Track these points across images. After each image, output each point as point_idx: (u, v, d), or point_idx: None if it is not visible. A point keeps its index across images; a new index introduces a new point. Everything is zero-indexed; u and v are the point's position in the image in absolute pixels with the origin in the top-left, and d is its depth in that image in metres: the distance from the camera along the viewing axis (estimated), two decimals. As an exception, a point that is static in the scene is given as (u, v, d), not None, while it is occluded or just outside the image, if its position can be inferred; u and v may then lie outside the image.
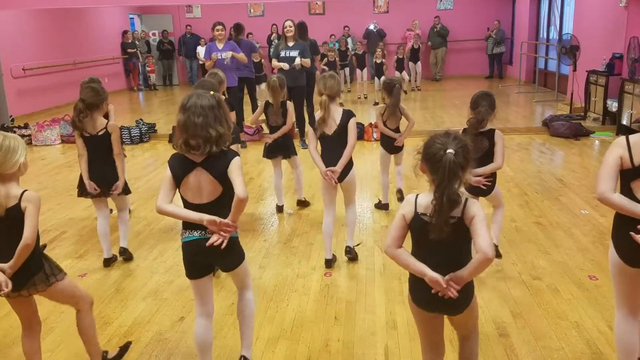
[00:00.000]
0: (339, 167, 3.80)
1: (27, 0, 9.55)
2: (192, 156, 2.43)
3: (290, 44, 7.45)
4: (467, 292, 2.15)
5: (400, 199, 5.24)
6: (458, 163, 1.99)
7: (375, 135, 8.07)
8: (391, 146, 5.08)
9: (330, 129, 3.83)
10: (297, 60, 7.32)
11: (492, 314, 3.30)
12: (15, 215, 2.41)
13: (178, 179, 2.46)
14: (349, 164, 3.89)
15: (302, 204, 5.33)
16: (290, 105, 5.01)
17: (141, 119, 9.10)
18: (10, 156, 2.41)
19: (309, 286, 3.75)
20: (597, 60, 9.05)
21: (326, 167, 3.85)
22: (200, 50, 14.06)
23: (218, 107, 2.46)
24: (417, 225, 2.11)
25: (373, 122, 8.38)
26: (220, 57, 7.50)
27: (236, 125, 4.91)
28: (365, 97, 12.17)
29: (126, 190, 4.14)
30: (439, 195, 2.00)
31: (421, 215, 2.10)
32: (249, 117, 8.64)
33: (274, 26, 14.02)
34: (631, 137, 2.25)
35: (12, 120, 9.67)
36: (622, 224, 2.27)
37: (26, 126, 8.98)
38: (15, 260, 2.41)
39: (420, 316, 2.27)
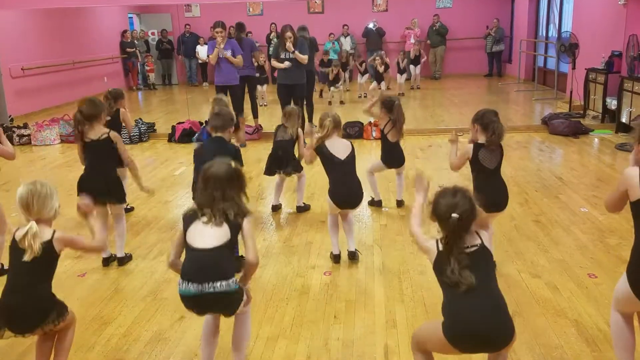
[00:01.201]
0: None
1: (27, 0, 9.54)
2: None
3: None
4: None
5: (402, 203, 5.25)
6: (462, 225, 2.13)
7: (374, 134, 8.06)
8: (392, 161, 5.12)
9: (343, 154, 3.90)
10: (289, 46, 7.33)
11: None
12: (42, 256, 2.49)
13: (188, 224, 2.51)
14: (362, 192, 3.99)
15: (302, 209, 5.22)
16: (301, 132, 5.04)
17: (140, 119, 9.09)
18: (48, 202, 2.57)
19: (309, 285, 3.75)
20: (596, 58, 9.04)
21: (342, 195, 3.91)
22: (200, 50, 14.09)
23: (237, 179, 2.56)
24: (440, 267, 2.20)
25: (372, 121, 8.38)
26: (221, 56, 7.51)
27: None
28: (366, 96, 12.16)
29: (121, 200, 4.12)
30: (449, 247, 2.16)
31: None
32: (248, 116, 8.69)
33: (273, 25, 14.02)
34: None
35: (11, 120, 9.66)
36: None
37: (25, 126, 8.97)
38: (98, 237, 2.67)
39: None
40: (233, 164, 2.60)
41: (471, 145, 3.62)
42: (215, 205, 2.47)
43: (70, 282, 3.90)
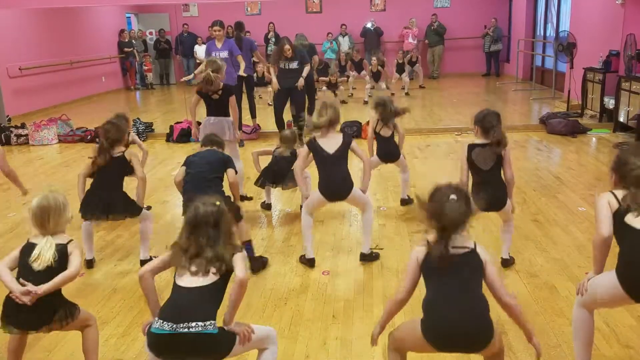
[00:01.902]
0: (365, 187, 3.97)
1: (25, 0, 9.53)
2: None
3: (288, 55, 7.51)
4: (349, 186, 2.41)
5: (408, 201, 5.23)
6: (459, 215, 2.14)
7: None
8: (385, 155, 5.10)
9: (331, 149, 3.85)
10: (301, 82, 7.44)
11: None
12: (57, 262, 2.50)
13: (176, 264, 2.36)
14: (351, 183, 3.90)
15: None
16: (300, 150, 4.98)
17: (138, 118, 9.09)
18: (63, 215, 2.56)
19: (307, 285, 3.76)
20: (594, 58, 9.06)
21: (329, 187, 3.88)
22: (198, 49, 14.06)
23: (221, 221, 2.35)
24: (429, 261, 2.22)
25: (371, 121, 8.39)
26: (219, 57, 7.50)
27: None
28: (352, 96, 12.16)
29: (132, 214, 4.08)
30: (443, 244, 2.16)
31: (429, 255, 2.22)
32: (246, 116, 8.68)
33: (271, 24, 14.01)
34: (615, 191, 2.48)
35: (9, 120, 9.65)
36: (633, 264, 2.37)
37: (23, 126, 8.96)
38: (53, 284, 2.45)
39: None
40: (218, 202, 2.40)
41: (465, 147, 3.64)
42: (203, 254, 2.29)
43: (68, 282, 3.89)
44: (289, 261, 4.12)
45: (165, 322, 2.21)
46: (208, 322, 2.20)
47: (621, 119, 7.96)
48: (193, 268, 2.30)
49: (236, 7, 15.10)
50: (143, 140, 8.63)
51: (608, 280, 2.46)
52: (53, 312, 2.52)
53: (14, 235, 4.74)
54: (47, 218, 2.51)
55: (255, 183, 5.17)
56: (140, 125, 8.81)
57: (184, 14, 16.13)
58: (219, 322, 2.27)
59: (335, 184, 3.89)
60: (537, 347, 2.33)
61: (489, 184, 3.61)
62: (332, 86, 11.21)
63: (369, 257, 4.05)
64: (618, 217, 2.44)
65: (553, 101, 10.68)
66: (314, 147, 3.89)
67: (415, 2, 15.56)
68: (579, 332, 2.64)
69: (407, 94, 11.99)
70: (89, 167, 3.97)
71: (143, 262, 4.14)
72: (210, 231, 2.32)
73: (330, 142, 3.88)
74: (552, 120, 8.37)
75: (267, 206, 5.27)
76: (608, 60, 8.60)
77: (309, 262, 4.00)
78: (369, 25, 15.23)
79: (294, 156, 4.82)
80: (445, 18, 15.26)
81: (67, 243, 2.56)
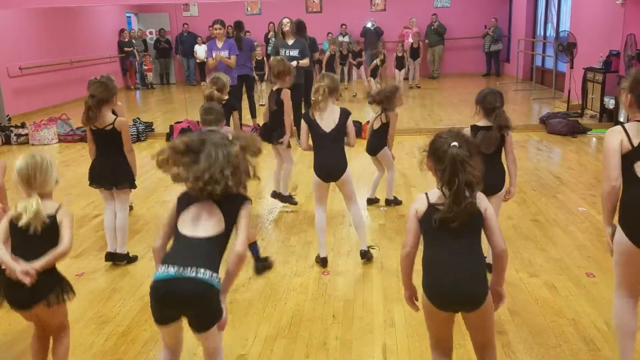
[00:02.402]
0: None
1: (24, -1, 9.53)
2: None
3: (290, 42, 7.43)
4: (480, 286, 2.16)
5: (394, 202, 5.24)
6: (463, 155, 2.08)
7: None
8: (368, 148, 5.22)
9: (328, 127, 3.81)
10: (294, 63, 7.30)
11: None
12: (48, 226, 2.46)
13: (182, 207, 2.23)
14: (344, 163, 3.87)
15: (289, 200, 5.29)
16: (286, 92, 5.03)
17: (138, 118, 9.09)
18: (50, 174, 2.50)
19: (307, 284, 3.75)
20: (594, 58, 9.05)
21: (323, 167, 3.86)
22: (198, 49, 14.07)
23: (231, 155, 2.19)
24: (429, 218, 2.15)
25: (370, 121, 8.38)
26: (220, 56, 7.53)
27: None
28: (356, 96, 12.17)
29: (132, 185, 4.14)
30: (453, 183, 2.07)
31: (436, 206, 2.15)
32: (246, 116, 8.67)
33: (271, 24, 14.00)
34: (627, 125, 2.40)
35: (9, 119, 9.64)
36: (634, 209, 2.32)
37: (23, 125, 8.95)
38: (46, 262, 2.41)
39: (433, 316, 2.24)
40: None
41: (468, 129, 3.53)
42: (210, 183, 2.13)
43: (68, 281, 3.89)
44: (288, 261, 4.12)
45: (171, 266, 2.10)
46: (215, 274, 2.13)
47: (621, 119, 7.95)
48: (193, 211, 2.19)
49: (236, 6, 15.09)
50: (143, 140, 8.65)
51: (619, 238, 2.42)
52: (50, 288, 2.47)
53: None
54: (33, 175, 2.46)
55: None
56: (140, 125, 8.81)
57: (184, 14, 16.13)
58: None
59: (329, 164, 3.86)
60: (502, 293, 2.28)
61: (488, 169, 3.53)
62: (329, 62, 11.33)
63: (367, 254, 4.03)
64: (627, 161, 2.35)
65: (553, 101, 10.68)
66: (309, 122, 3.84)
67: (416, 2, 15.56)
68: (615, 319, 2.55)
69: (369, 97, 11.87)
70: (89, 136, 4.05)
71: (120, 257, 4.16)
72: (221, 160, 2.15)
73: (328, 118, 3.80)
74: (552, 120, 8.37)
75: (275, 194, 5.29)
76: (608, 60, 8.60)
77: (321, 261, 4.00)
78: (369, 25, 15.22)
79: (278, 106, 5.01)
80: (446, 18, 15.25)
81: (56, 212, 2.50)
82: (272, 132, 5.10)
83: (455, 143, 2.09)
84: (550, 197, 5.38)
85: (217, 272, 2.16)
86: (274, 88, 5.11)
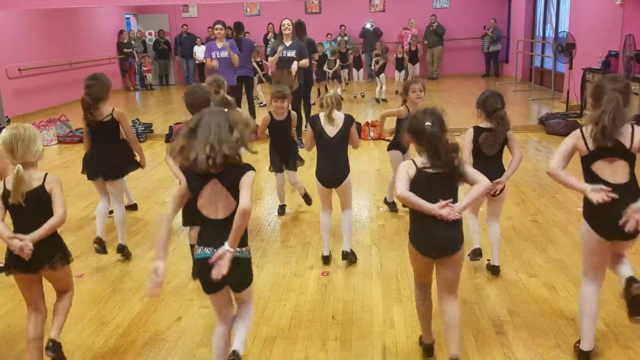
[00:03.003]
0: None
1: (23, 0, 9.52)
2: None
3: (288, 43, 7.44)
4: (455, 234, 2.61)
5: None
6: (435, 133, 2.55)
7: (372, 134, 8.07)
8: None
9: (332, 132, 3.85)
10: (294, 66, 7.31)
11: (489, 312, 3.31)
12: (38, 197, 2.62)
13: (195, 192, 2.42)
14: (346, 169, 3.91)
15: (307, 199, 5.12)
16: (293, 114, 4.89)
17: (138, 119, 9.09)
18: (33, 145, 2.63)
19: (306, 285, 3.76)
20: (593, 58, 9.06)
21: (325, 174, 3.90)
22: (197, 50, 14.06)
23: (234, 123, 2.39)
24: (419, 178, 2.58)
25: (370, 121, 8.39)
26: (219, 57, 7.53)
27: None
28: (363, 96, 12.17)
29: (130, 168, 4.24)
30: (431, 152, 2.55)
31: (424, 169, 2.58)
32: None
33: (270, 25, 14.00)
34: (584, 128, 2.69)
35: (8, 121, 9.62)
36: (597, 205, 2.53)
37: (22, 127, 8.94)
38: (43, 231, 2.60)
39: (417, 260, 2.71)
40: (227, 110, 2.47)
41: (471, 130, 3.58)
42: (211, 154, 2.29)
43: (67, 283, 3.89)
44: (288, 262, 4.12)
45: (206, 248, 2.41)
46: (244, 248, 2.45)
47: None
48: (208, 192, 2.40)
49: (235, 7, 15.10)
50: (142, 141, 8.65)
51: (585, 230, 2.73)
52: (52, 254, 2.68)
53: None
54: (16, 145, 2.59)
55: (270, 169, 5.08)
56: (140, 126, 8.81)
57: (183, 15, 16.14)
58: None
59: (331, 169, 3.90)
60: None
61: (490, 171, 3.56)
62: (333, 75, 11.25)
63: (350, 255, 4.04)
64: (585, 163, 2.68)
65: (552, 102, 10.69)
66: (314, 125, 3.88)
67: (415, 2, 15.57)
68: (581, 302, 2.82)
69: (382, 100, 11.80)
70: (85, 132, 4.10)
71: (122, 248, 4.22)
72: (215, 128, 2.33)
73: (332, 123, 3.85)
74: (551, 120, 8.38)
75: (281, 209, 5.22)
76: (607, 61, 8.60)
77: (324, 260, 4.06)
78: (368, 26, 15.23)
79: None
80: (445, 19, 15.26)
81: (44, 181, 2.64)
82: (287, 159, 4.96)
83: (429, 123, 2.56)
84: (549, 197, 5.38)
85: (246, 244, 2.47)
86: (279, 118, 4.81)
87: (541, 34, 13.43)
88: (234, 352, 2.54)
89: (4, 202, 2.63)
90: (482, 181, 2.58)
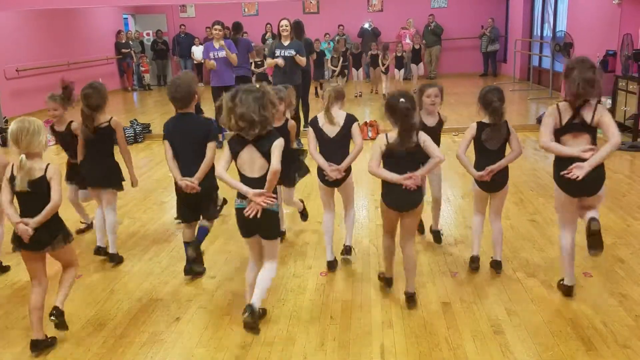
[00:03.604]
0: (343, 165, 3.76)
1: (21, 1, 9.51)
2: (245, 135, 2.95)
3: (286, 43, 7.44)
4: (417, 195, 3.23)
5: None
6: (409, 111, 3.10)
7: (370, 134, 8.07)
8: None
9: (332, 131, 3.79)
10: (292, 52, 7.29)
11: (487, 311, 3.31)
12: (41, 185, 2.91)
13: (235, 154, 3.03)
14: (348, 169, 3.86)
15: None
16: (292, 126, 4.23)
17: (135, 119, 9.08)
18: (35, 137, 2.91)
19: (305, 285, 3.75)
20: (591, 57, 9.04)
21: (325, 174, 3.84)
22: (195, 50, 14.06)
23: (265, 99, 2.93)
24: (389, 152, 3.18)
25: (368, 121, 8.39)
26: (217, 57, 7.54)
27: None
28: (361, 95, 12.18)
29: (118, 186, 4.17)
30: (403, 127, 3.13)
31: (394, 143, 3.17)
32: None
33: (268, 25, 14.01)
34: (560, 104, 3.23)
35: (6, 121, 9.63)
36: (562, 167, 3.14)
37: (20, 127, 8.92)
38: (42, 217, 2.90)
39: (387, 214, 3.38)
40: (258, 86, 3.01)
41: (475, 125, 3.62)
42: (253, 127, 2.88)
43: (65, 284, 3.88)
44: (286, 262, 4.12)
45: (244, 200, 3.05)
46: (274, 203, 3.04)
47: (618, 119, 7.97)
48: (245, 155, 3.01)
49: (233, 7, 15.09)
50: (140, 142, 8.64)
51: (556, 190, 3.33)
52: (54, 235, 2.99)
53: (11, 237, 4.72)
54: (21, 137, 2.88)
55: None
56: (138, 127, 8.80)
57: (181, 15, 16.13)
58: None
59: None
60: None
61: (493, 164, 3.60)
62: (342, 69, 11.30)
63: (349, 251, 4.04)
64: (558, 134, 3.19)
65: (550, 101, 10.68)
66: (314, 126, 3.82)
67: (413, 2, 15.58)
68: (563, 248, 3.42)
69: (360, 94, 11.73)
70: (81, 143, 4.09)
71: (112, 257, 4.19)
72: (252, 103, 2.87)
73: (332, 121, 3.78)
74: (549, 120, 8.37)
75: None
76: (605, 60, 8.61)
77: (329, 265, 3.97)
78: (366, 25, 15.24)
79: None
80: (443, 18, 15.28)
81: (45, 171, 2.93)
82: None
83: (402, 99, 3.10)
84: (547, 197, 5.38)
85: (276, 199, 3.05)
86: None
87: (539, 34, 13.45)
88: (250, 306, 3.09)
89: (12, 186, 2.92)
90: (438, 156, 3.19)
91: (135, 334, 3.23)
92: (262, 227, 3.09)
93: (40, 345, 3.02)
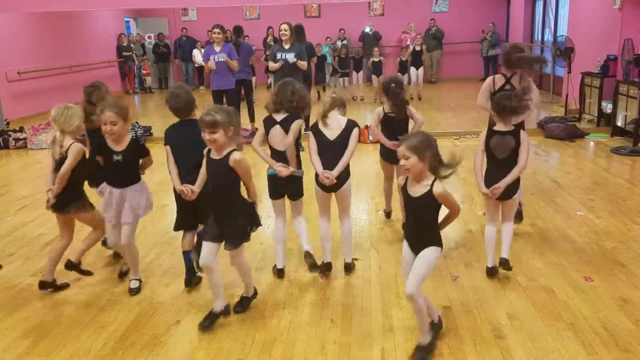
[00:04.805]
0: (335, 172, 3.68)
1: (22, 3, 9.53)
2: (276, 116, 3.74)
3: (287, 46, 7.46)
4: (342, 176, 3.73)
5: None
6: (398, 90, 4.30)
7: (371, 138, 8.07)
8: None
9: (333, 135, 3.77)
10: (293, 58, 7.30)
11: (488, 316, 3.31)
12: (65, 159, 3.58)
13: (267, 131, 3.75)
14: (346, 174, 3.80)
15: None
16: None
17: (137, 122, 9.07)
18: (70, 120, 3.59)
19: (305, 289, 3.75)
20: (591, 62, 9.08)
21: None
22: (196, 53, 14.09)
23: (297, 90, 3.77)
24: (384, 120, 4.42)
25: (369, 124, 8.39)
26: (217, 60, 7.55)
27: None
28: (362, 99, 12.18)
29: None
30: (395, 102, 4.34)
31: (388, 114, 4.40)
32: (245, 120, 8.68)
33: (270, 29, 14.03)
34: (495, 76, 4.53)
35: (8, 123, 9.64)
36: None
37: (21, 129, 8.95)
38: (57, 186, 3.59)
39: (384, 165, 4.60)
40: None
41: (485, 132, 3.62)
42: (281, 105, 3.73)
43: (66, 286, 3.89)
44: (287, 265, 4.11)
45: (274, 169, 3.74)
46: (299, 169, 3.81)
47: (619, 124, 7.97)
48: (280, 117, 3.76)
49: (235, 11, 15.13)
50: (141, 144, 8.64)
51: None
52: (67, 202, 3.63)
53: (12, 239, 4.73)
54: (57, 119, 3.58)
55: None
56: (139, 129, 8.80)
57: (182, 19, 16.17)
58: None
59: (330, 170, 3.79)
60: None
61: (500, 175, 3.59)
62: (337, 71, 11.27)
63: (350, 267, 3.98)
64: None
65: (551, 105, 10.70)
66: (315, 130, 3.79)
67: (414, 6, 15.61)
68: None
69: (361, 98, 11.60)
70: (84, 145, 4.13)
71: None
72: (288, 93, 3.72)
73: (333, 126, 3.75)
74: (550, 124, 8.39)
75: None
76: (606, 65, 8.63)
77: (326, 267, 3.95)
78: (367, 29, 15.26)
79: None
80: (443, 23, 15.31)
81: (68, 149, 3.57)
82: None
83: (393, 84, 4.31)
84: (548, 201, 5.39)
85: (300, 167, 3.83)
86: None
87: (540, 38, 13.47)
88: (307, 252, 3.98)
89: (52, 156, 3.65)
90: (419, 120, 4.38)
91: (136, 337, 3.22)
92: (290, 189, 3.82)
93: (46, 286, 3.72)
